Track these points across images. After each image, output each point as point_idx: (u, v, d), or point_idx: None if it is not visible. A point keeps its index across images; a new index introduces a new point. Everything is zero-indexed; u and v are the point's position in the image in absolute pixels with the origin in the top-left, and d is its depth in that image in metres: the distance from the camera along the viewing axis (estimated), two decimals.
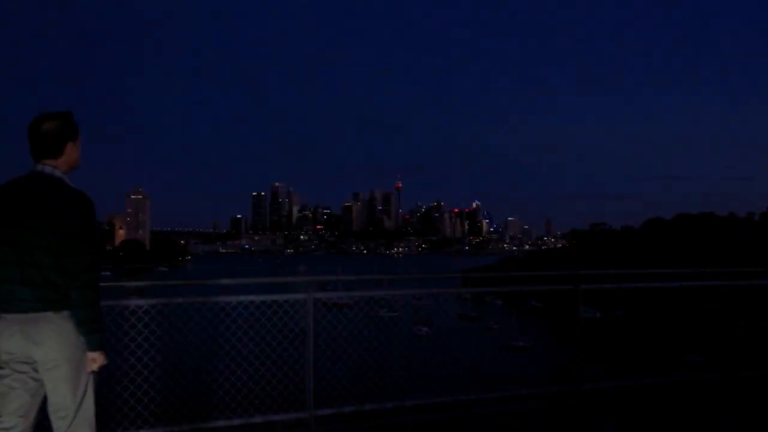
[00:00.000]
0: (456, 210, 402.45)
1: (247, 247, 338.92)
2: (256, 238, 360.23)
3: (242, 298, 4.74)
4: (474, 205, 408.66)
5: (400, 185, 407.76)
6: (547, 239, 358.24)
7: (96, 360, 2.73)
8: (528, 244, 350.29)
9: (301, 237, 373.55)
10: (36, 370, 2.67)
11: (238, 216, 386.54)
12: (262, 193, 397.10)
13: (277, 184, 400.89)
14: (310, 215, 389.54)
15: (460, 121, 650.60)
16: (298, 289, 5.19)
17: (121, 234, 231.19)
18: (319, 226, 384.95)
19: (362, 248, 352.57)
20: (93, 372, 2.77)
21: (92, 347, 2.71)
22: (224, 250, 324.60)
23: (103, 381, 5.14)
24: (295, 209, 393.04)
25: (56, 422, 2.71)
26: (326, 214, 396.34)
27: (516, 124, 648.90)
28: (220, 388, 5.28)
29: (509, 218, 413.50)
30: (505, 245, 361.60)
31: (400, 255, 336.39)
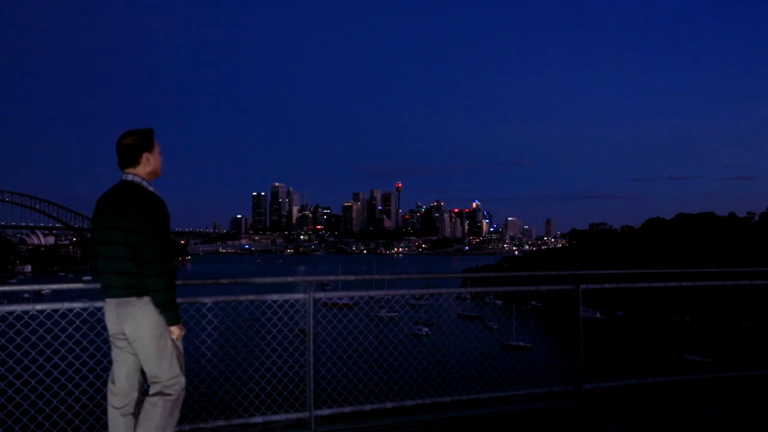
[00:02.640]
0: (456, 210, 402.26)
1: (247, 247, 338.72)
2: (256, 238, 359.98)
3: (242, 297, 4.73)
4: (474, 205, 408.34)
5: (400, 185, 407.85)
6: (547, 239, 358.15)
7: (175, 332, 3.36)
8: (528, 244, 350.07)
9: (301, 237, 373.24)
10: (130, 345, 3.35)
11: (238, 216, 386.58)
12: (262, 193, 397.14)
13: (277, 184, 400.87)
14: (310, 215, 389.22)
15: (460, 121, 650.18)
16: (298, 289, 5.18)
17: None
18: (319, 226, 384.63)
19: (362, 248, 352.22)
20: (176, 343, 3.38)
21: (170, 323, 3.33)
22: (224, 250, 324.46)
23: (103, 382, 5.16)
24: (295, 209, 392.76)
25: (151, 386, 3.38)
26: (326, 214, 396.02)
27: (516, 124, 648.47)
28: (220, 388, 5.29)
29: (509, 218, 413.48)
30: (505, 245, 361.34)
31: (400, 255, 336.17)
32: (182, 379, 3.42)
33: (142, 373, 3.47)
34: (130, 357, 3.41)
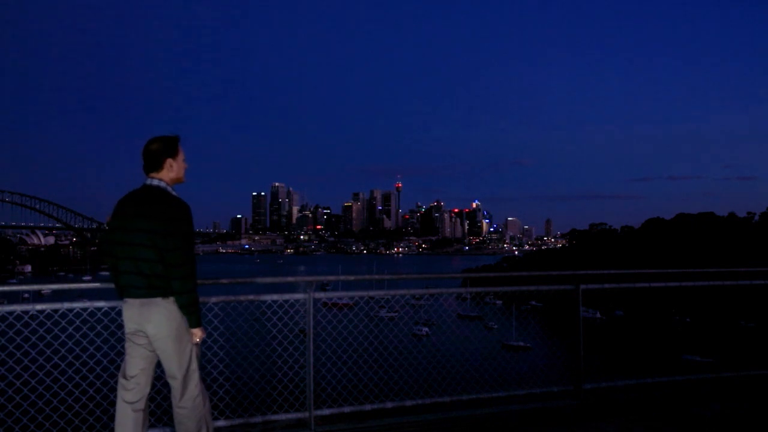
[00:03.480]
0: (456, 210, 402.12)
1: (247, 247, 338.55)
2: (256, 238, 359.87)
3: (242, 297, 4.73)
4: (474, 205, 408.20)
5: (400, 185, 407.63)
6: (547, 239, 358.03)
7: (196, 334, 3.50)
8: (528, 244, 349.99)
9: (301, 237, 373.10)
10: (150, 343, 3.46)
11: (238, 216, 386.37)
12: (262, 193, 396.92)
13: (277, 184, 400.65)
14: (310, 215, 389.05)
15: (460, 121, 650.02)
16: (298, 289, 5.18)
17: None
18: (319, 226, 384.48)
19: (362, 248, 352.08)
20: (196, 344, 3.52)
21: (192, 325, 3.46)
22: (224, 250, 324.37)
23: (103, 382, 5.16)
24: (295, 209, 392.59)
25: (171, 385, 3.51)
26: (326, 214, 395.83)
27: (516, 124, 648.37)
28: (220, 388, 5.28)
29: (509, 218, 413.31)
30: (505, 245, 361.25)
31: (400, 255, 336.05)
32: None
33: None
34: (147, 354, 3.50)
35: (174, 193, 3.52)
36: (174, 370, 3.46)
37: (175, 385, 3.49)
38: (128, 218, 3.39)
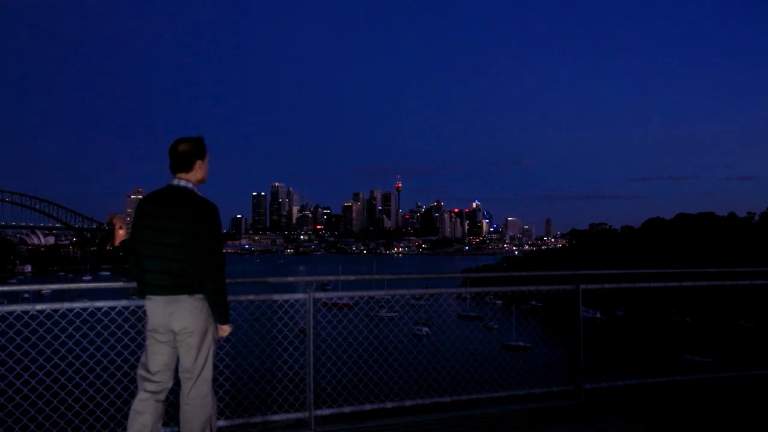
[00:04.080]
0: (456, 210, 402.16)
1: (247, 247, 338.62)
2: (256, 238, 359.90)
3: (242, 297, 4.73)
4: (474, 205, 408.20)
5: (400, 185, 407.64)
6: (547, 239, 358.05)
7: (225, 330, 3.64)
8: (528, 244, 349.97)
9: (301, 237, 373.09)
10: (174, 340, 3.54)
11: (238, 216, 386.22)
12: (262, 193, 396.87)
13: (277, 184, 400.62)
14: (310, 215, 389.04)
15: (460, 121, 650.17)
16: (298, 289, 5.18)
17: (121, 234, 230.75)
18: (319, 226, 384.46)
19: (362, 248, 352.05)
20: (220, 339, 3.67)
21: (222, 322, 3.60)
22: (224, 251, 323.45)
23: (104, 382, 5.16)
24: (295, 209, 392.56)
25: (183, 380, 3.59)
26: (326, 214, 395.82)
27: (516, 124, 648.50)
28: (220, 387, 5.28)
29: (509, 218, 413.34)
30: (505, 245, 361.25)
31: (400, 255, 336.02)
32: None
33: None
34: (169, 350, 3.58)
35: (200, 194, 3.60)
36: (190, 364, 3.54)
37: (187, 380, 3.57)
38: (158, 218, 3.45)
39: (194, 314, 3.48)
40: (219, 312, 3.55)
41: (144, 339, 3.67)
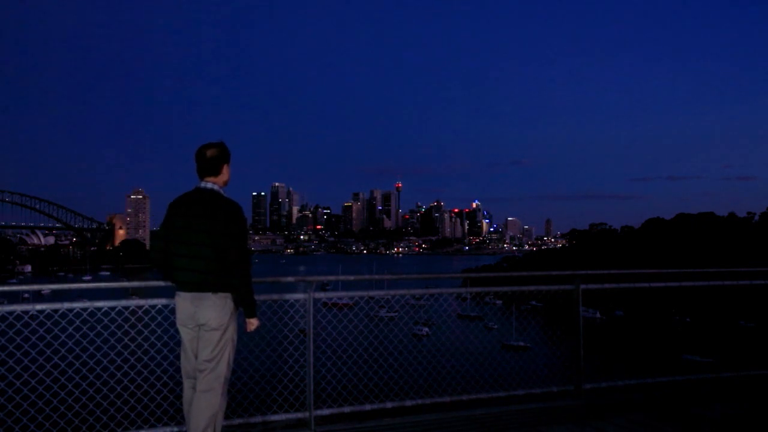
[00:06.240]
0: (456, 210, 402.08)
1: None
2: (256, 238, 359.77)
3: None
4: (474, 205, 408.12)
5: (400, 185, 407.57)
6: (547, 239, 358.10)
7: (252, 323, 3.81)
8: (528, 244, 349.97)
9: (301, 237, 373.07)
10: (198, 331, 3.73)
11: None
12: (262, 193, 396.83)
13: (277, 184, 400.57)
14: (310, 215, 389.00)
15: (460, 121, 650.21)
16: (298, 289, 5.18)
17: (121, 234, 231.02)
18: (319, 226, 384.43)
19: (362, 248, 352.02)
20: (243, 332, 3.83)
21: (249, 315, 3.78)
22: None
23: (104, 382, 5.16)
24: (295, 209, 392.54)
25: (197, 374, 3.73)
26: (326, 214, 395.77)
27: (516, 124, 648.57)
28: None
29: (509, 218, 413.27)
30: (505, 245, 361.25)
31: (400, 255, 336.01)
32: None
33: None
34: (194, 343, 3.79)
35: (226, 195, 3.82)
36: (208, 357, 3.69)
37: (200, 373, 3.71)
38: (191, 219, 3.67)
39: (217, 311, 3.66)
40: (247, 306, 3.74)
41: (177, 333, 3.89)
